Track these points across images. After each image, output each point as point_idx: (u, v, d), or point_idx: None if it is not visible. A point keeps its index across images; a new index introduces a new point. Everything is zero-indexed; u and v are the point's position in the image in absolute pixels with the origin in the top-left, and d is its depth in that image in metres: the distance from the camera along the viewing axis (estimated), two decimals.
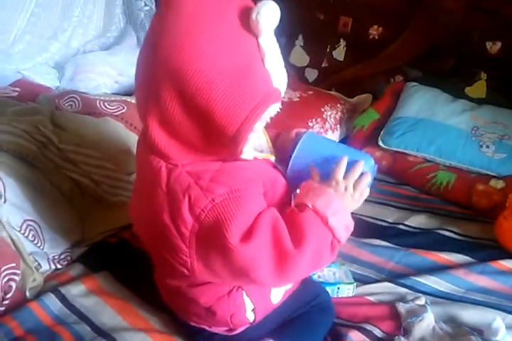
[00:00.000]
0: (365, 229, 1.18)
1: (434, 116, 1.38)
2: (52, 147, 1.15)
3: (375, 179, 1.35)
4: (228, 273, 0.69)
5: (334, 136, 1.51)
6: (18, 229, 0.98)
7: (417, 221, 1.22)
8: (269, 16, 0.60)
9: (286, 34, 1.66)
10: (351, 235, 1.11)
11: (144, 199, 0.73)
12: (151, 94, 0.63)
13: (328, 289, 0.95)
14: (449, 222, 1.21)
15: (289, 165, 0.76)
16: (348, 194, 0.72)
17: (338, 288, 0.96)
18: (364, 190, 0.74)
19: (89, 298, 0.94)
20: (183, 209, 0.65)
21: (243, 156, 0.66)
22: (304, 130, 0.85)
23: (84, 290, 0.96)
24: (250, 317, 0.78)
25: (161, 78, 0.61)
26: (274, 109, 0.66)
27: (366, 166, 0.75)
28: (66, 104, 1.35)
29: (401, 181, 1.39)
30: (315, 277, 0.97)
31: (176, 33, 0.61)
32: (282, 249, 0.66)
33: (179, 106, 0.62)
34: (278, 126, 1.34)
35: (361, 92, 1.63)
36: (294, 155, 0.75)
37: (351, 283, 0.96)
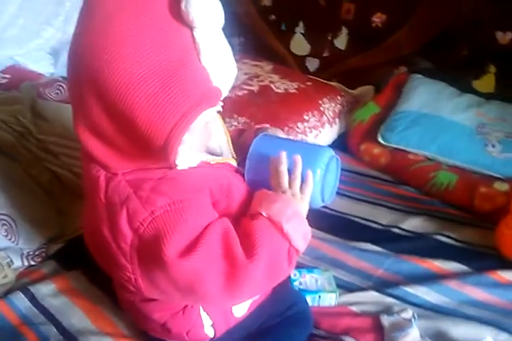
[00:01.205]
0: (354, 231, 1.13)
1: (438, 111, 1.29)
2: (31, 138, 1.12)
3: (371, 176, 1.33)
4: (174, 290, 0.64)
5: (332, 130, 1.42)
6: None
7: (413, 224, 1.14)
8: (201, 5, 0.53)
9: (286, 21, 1.58)
10: (338, 237, 1.10)
11: (88, 209, 0.68)
12: (75, 97, 0.58)
13: (309, 297, 0.89)
14: (448, 227, 1.12)
15: (245, 171, 0.70)
16: (298, 199, 0.66)
17: (320, 297, 0.90)
18: (306, 189, 0.67)
19: (59, 298, 0.91)
20: (122, 222, 0.60)
21: (178, 167, 0.60)
22: (267, 126, 0.78)
23: (55, 289, 0.93)
24: (210, 332, 0.74)
25: (83, 80, 0.55)
26: (211, 111, 0.60)
27: (323, 159, 0.69)
28: (52, 93, 1.31)
29: (399, 180, 1.31)
30: (295, 284, 0.92)
31: (95, 27, 0.54)
32: (233, 260, 0.60)
33: (102, 112, 0.56)
34: (270, 119, 1.29)
35: (364, 84, 1.54)
36: (247, 160, 0.70)
37: (334, 292, 0.91)
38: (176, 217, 0.59)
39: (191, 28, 0.54)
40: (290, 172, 0.67)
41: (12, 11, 1.46)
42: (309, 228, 0.67)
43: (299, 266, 0.98)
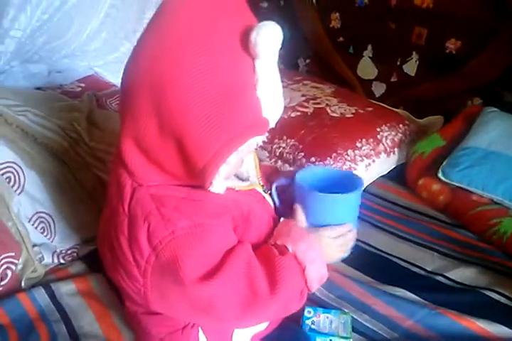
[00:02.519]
0: (391, 273, 1.02)
1: (510, 149, 1.14)
2: (83, 145, 1.18)
3: (425, 215, 1.20)
4: (186, 307, 0.64)
5: (389, 160, 1.33)
6: (28, 220, 1.01)
7: (463, 274, 1.00)
8: (269, 39, 0.55)
9: (354, 44, 1.52)
10: (370, 278, 1.00)
11: (108, 214, 0.68)
12: (128, 104, 0.59)
13: (319, 340, 0.81)
14: (503, 282, 0.97)
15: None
16: (329, 245, 0.69)
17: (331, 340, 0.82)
18: (345, 245, 0.73)
19: (76, 298, 0.93)
20: (141, 236, 0.60)
21: (212, 189, 0.61)
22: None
23: (74, 289, 0.95)
24: None
25: (141, 89, 0.56)
26: (256, 140, 0.61)
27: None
28: (113, 103, 1.38)
29: (457, 223, 1.17)
30: (307, 322, 0.84)
31: (162, 43, 0.55)
32: (256, 291, 0.61)
33: (155, 125, 0.56)
34: (318, 143, 1.24)
35: (433, 113, 1.42)
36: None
37: (347, 338, 0.82)
38: (195, 240, 0.59)
39: (254, 58, 0.56)
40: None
41: (95, 26, 1.59)
42: (327, 272, 0.69)
43: (317, 304, 0.91)
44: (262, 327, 0.75)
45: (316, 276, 0.66)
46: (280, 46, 0.58)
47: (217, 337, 0.71)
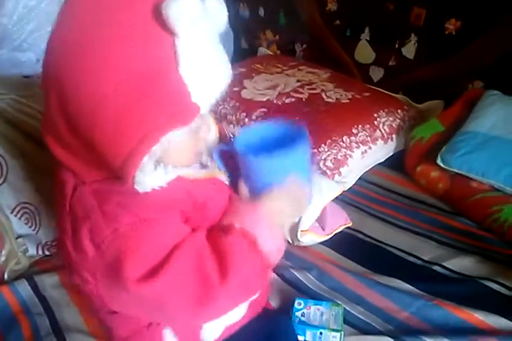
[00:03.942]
0: (387, 264, 0.98)
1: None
2: None
3: (424, 203, 1.16)
4: (138, 308, 0.59)
5: (386, 147, 1.28)
6: (10, 211, 0.98)
7: (461, 264, 0.96)
8: (182, 9, 0.46)
9: (351, 26, 1.46)
10: (365, 268, 0.97)
11: (57, 214, 0.64)
12: (44, 98, 0.54)
13: (309, 333, 0.78)
14: (503, 272, 0.93)
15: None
16: (277, 209, 0.62)
17: (321, 333, 0.78)
18: (297, 201, 0.65)
19: (59, 290, 0.91)
20: (83, 236, 0.56)
21: (139, 190, 0.54)
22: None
23: (57, 281, 0.93)
24: None
25: (48, 83, 0.52)
26: (183, 131, 0.53)
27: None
28: None
29: (456, 211, 1.13)
30: (297, 314, 0.81)
31: (66, 28, 0.50)
32: (206, 282, 0.54)
33: (64, 124, 0.52)
34: (312, 129, 1.18)
35: (433, 98, 1.37)
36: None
37: (338, 331, 0.78)
38: (140, 236, 0.54)
39: (173, 36, 0.48)
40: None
41: None
42: (284, 242, 0.62)
43: (308, 295, 0.88)
44: (235, 318, 0.71)
45: (272, 247, 0.59)
46: (223, 18, 0.50)
47: (186, 332, 0.67)
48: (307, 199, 0.68)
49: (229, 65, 0.57)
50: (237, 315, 0.70)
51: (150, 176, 0.54)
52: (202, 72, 0.51)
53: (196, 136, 0.60)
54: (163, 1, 0.46)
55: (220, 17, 0.52)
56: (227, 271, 0.54)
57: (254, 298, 0.63)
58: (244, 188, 0.65)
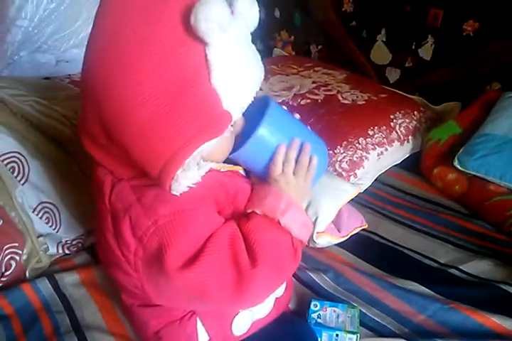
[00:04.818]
0: (403, 266, 0.98)
1: None
2: None
3: (441, 205, 1.16)
4: (180, 297, 0.62)
5: (403, 149, 1.28)
6: (32, 211, 1.00)
7: (478, 267, 0.96)
8: (210, 19, 0.46)
9: (367, 28, 1.46)
10: (382, 271, 0.97)
11: (96, 213, 0.66)
12: (81, 103, 0.56)
13: (325, 334, 0.79)
14: None
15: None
16: (291, 186, 0.62)
17: (337, 335, 0.79)
18: (308, 174, 0.64)
19: (80, 289, 0.93)
20: (125, 230, 0.57)
21: (175, 193, 0.55)
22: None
23: (78, 280, 0.94)
24: None
25: (85, 88, 0.53)
26: (216, 140, 0.53)
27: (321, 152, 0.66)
28: None
29: (474, 213, 1.12)
30: (313, 315, 0.82)
31: (103, 35, 0.51)
32: (238, 268, 0.57)
33: (101, 131, 0.54)
34: (328, 131, 1.20)
35: (450, 100, 1.36)
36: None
37: (354, 333, 0.79)
38: (179, 226, 0.56)
39: (204, 44, 0.49)
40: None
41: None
42: (308, 216, 0.64)
43: (324, 297, 0.89)
44: (261, 314, 0.73)
45: (296, 224, 0.60)
46: (255, 15, 0.51)
47: (217, 326, 0.69)
48: (306, 162, 0.64)
49: (261, 64, 0.58)
50: (264, 310, 0.72)
51: (185, 177, 0.55)
52: (233, 79, 0.52)
53: (230, 136, 0.61)
54: (191, 12, 0.47)
55: (251, 16, 0.53)
56: (256, 253, 0.57)
57: (280, 293, 0.66)
58: (251, 175, 0.67)
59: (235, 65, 0.52)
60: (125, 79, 0.49)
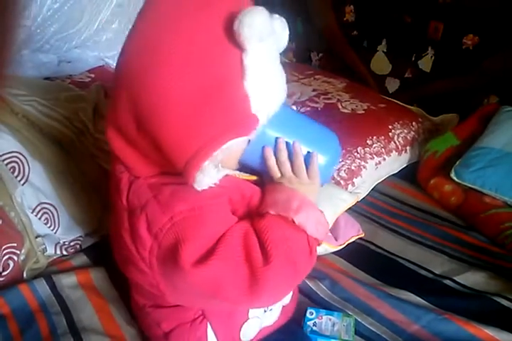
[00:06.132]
0: (398, 276, 0.99)
1: None
2: (88, 135, 1.16)
3: (437, 216, 1.17)
4: (194, 296, 0.63)
5: (400, 159, 1.29)
6: (31, 211, 1.00)
7: (472, 279, 0.97)
8: (254, 27, 0.49)
9: (368, 38, 1.48)
10: (377, 280, 0.97)
11: (112, 211, 0.68)
12: (113, 94, 0.57)
13: None
14: None
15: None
16: (296, 185, 0.63)
17: None
18: (311, 172, 0.64)
19: (77, 291, 0.92)
20: (141, 227, 0.58)
21: (196, 186, 0.56)
22: None
23: (75, 282, 0.94)
24: None
25: (123, 83, 0.55)
26: (244, 139, 0.56)
27: (330, 151, 0.66)
28: None
29: (469, 225, 1.14)
30: (309, 323, 0.82)
31: (146, 33, 0.53)
32: (251, 265, 0.57)
33: (133, 122, 0.55)
34: None
35: (448, 111, 1.38)
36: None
37: None
38: (195, 223, 0.57)
39: (241, 50, 0.52)
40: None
41: (106, 16, 1.57)
42: (321, 213, 0.64)
43: (320, 305, 0.89)
44: (269, 321, 0.74)
45: (310, 222, 0.60)
46: (286, 37, 0.54)
47: (226, 331, 0.70)
48: (321, 154, 0.65)
49: (285, 81, 0.61)
50: (271, 318, 0.73)
51: (208, 176, 0.56)
52: (264, 85, 0.55)
53: (230, 151, 0.61)
54: (236, 18, 0.50)
55: (283, 36, 0.56)
56: (269, 251, 0.57)
57: (287, 301, 0.67)
58: (262, 179, 0.68)
59: (267, 73, 0.55)
60: (165, 75, 0.51)
